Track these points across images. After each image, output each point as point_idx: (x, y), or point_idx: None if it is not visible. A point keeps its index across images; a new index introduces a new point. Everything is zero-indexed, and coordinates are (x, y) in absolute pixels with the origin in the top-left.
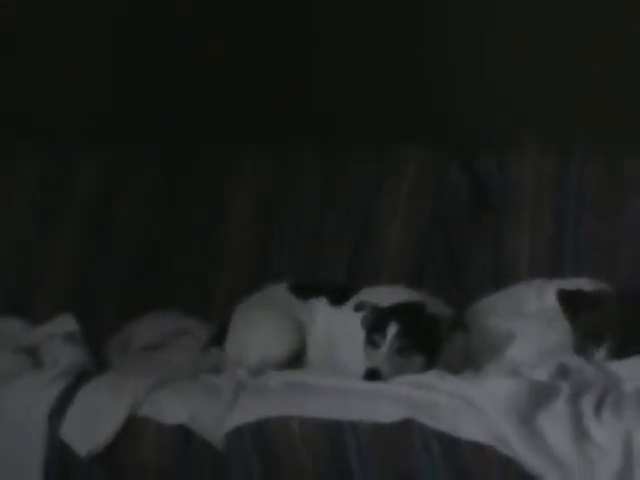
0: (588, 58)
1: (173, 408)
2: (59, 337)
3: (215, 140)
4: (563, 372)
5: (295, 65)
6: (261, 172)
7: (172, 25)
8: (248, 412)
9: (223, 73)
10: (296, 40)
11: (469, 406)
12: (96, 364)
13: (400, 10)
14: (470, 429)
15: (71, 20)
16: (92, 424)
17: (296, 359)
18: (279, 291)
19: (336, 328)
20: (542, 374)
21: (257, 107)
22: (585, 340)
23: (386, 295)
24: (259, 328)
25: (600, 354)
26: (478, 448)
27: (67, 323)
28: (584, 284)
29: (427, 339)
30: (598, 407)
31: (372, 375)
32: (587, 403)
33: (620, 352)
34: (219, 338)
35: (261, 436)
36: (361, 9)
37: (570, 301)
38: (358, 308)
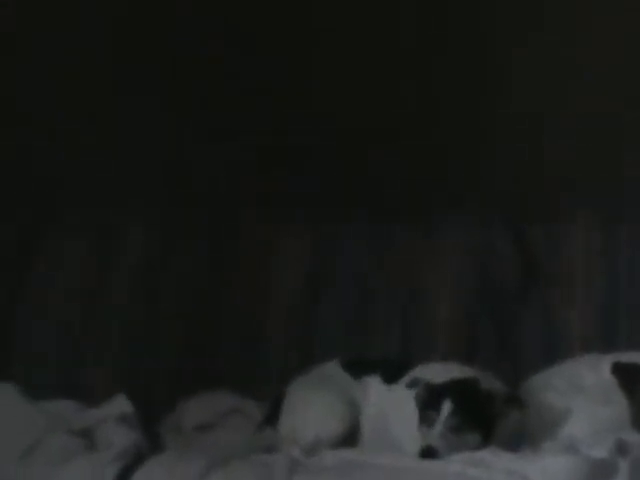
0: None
1: None
2: (113, 419)
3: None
4: (622, 448)
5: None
6: (307, 250)
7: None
8: None
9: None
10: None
11: None
12: (150, 445)
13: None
14: None
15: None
16: None
17: (350, 437)
18: (332, 368)
19: (390, 405)
20: (600, 451)
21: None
22: None
23: (439, 372)
24: (313, 407)
25: None
26: None
27: (121, 405)
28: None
29: (482, 416)
30: None
31: (427, 453)
32: None
33: None
34: (273, 417)
35: None
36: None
37: (626, 375)
38: (411, 385)
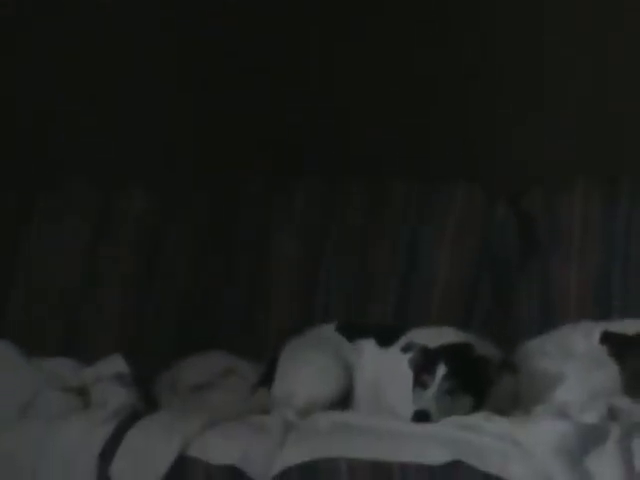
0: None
1: (222, 448)
2: (109, 378)
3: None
4: (613, 414)
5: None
6: (308, 211)
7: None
8: (297, 453)
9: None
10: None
11: (518, 448)
12: (145, 404)
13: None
14: (519, 471)
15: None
16: (142, 464)
17: (344, 400)
18: (327, 331)
19: (384, 369)
20: (592, 416)
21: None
22: (634, 381)
23: (434, 336)
24: (307, 369)
25: None
26: None
27: (117, 364)
28: (633, 325)
29: (476, 381)
30: None
31: (420, 416)
32: (638, 445)
33: None
34: (267, 378)
35: (310, 477)
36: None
37: (615, 343)
38: (406, 349)
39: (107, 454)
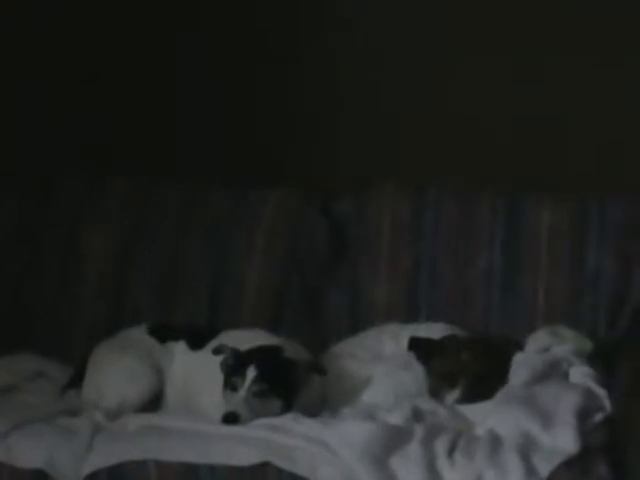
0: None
1: (28, 452)
2: None
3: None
4: (418, 415)
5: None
6: (119, 210)
7: None
8: (105, 456)
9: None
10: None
11: (325, 449)
12: None
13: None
14: (326, 472)
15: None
16: None
17: (154, 402)
18: (138, 333)
19: (195, 371)
20: (397, 417)
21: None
22: (438, 384)
23: (245, 339)
24: (116, 371)
25: (452, 397)
26: None
27: None
28: (437, 329)
29: (284, 383)
30: (451, 449)
31: (230, 418)
32: (440, 446)
33: (471, 396)
34: (77, 380)
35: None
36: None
37: (421, 348)
38: (217, 352)
39: None
